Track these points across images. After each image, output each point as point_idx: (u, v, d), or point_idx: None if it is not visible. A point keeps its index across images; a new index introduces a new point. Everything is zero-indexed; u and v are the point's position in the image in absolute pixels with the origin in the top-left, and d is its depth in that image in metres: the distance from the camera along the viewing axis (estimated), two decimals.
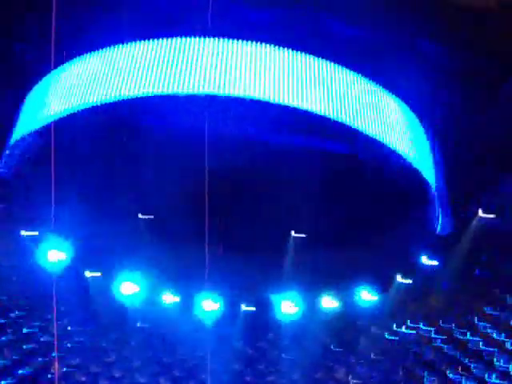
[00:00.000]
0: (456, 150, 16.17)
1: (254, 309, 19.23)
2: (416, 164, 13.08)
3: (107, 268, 18.17)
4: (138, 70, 11.97)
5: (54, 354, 16.21)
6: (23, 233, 16.36)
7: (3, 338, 16.32)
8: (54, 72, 13.24)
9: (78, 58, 12.59)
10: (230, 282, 17.63)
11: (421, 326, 18.70)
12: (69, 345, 17.51)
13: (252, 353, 18.80)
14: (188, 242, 16.75)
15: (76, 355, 17.09)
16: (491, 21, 13.64)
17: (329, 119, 11.59)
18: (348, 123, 11.71)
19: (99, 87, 12.12)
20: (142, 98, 11.84)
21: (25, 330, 16.85)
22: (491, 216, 16.88)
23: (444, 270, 18.38)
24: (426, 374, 17.18)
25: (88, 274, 18.33)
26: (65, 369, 16.44)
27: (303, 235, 17.67)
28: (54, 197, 12.29)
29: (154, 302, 18.84)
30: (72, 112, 12.37)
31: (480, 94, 15.37)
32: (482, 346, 16.82)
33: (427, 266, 18.16)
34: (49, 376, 15.87)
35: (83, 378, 16.54)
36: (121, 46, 12.22)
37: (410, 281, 18.77)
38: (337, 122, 11.61)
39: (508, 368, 15.59)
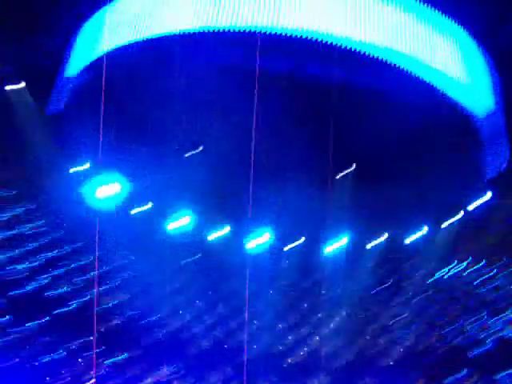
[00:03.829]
0: None
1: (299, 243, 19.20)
2: (474, 97, 12.55)
3: (157, 203, 18.42)
4: (187, 4, 11.71)
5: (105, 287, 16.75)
6: (72, 169, 16.72)
7: (60, 271, 16.87)
8: (102, 9, 13.14)
9: None
10: (280, 216, 17.62)
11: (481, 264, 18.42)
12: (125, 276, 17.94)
13: (296, 293, 18.83)
14: (237, 176, 16.77)
15: (128, 289, 17.51)
16: None
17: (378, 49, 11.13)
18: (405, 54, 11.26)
19: (148, 22, 11.97)
20: (190, 33, 11.62)
21: (81, 263, 17.35)
22: None
23: (506, 207, 17.95)
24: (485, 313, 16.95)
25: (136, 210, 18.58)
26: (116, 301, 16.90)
27: (350, 172, 17.41)
28: (102, 134, 12.34)
29: (204, 236, 19.08)
30: (122, 47, 12.31)
31: None
32: None
33: (484, 203, 17.74)
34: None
35: (133, 312, 16.99)
36: None
37: (465, 218, 18.42)
38: (388, 51, 11.15)
39: None
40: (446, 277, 18.57)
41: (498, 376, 13.62)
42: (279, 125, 14.66)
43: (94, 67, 13.12)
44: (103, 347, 14.78)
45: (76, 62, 13.92)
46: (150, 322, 16.74)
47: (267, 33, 11.08)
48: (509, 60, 14.26)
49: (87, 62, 13.32)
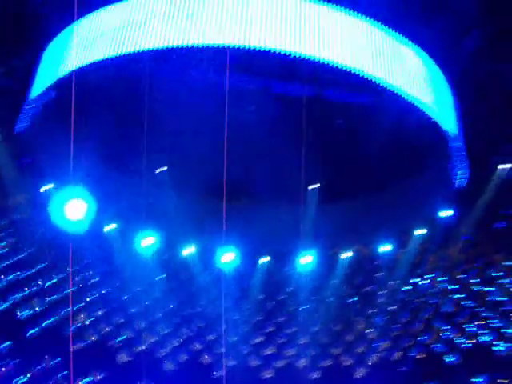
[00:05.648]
0: (477, 101, 15.96)
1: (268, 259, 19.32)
2: (436, 116, 12.91)
3: (126, 221, 18.33)
4: (156, 22, 11.81)
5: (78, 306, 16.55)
6: (44, 187, 16.54)
7: (29, 290, 16.63)
8: (71, 26, 13.14)
9: (95, 11, 12.46)
10: (247, 234, 17.69)
11: (440, 278, 18.74)
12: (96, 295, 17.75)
13: (272, 305, 18.91)
14: (206, 195, 16.85)
15: (99, 307, 17.34)
16: None
17: (348, 70, 11.41)
18: (368, 74, 11.55)
19: (116, 40, 12.00)
20: (159, 51, 11.70)
21: (48, 283, 17.13)
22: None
23: (463, 222, 18.34)
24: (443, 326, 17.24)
25: (107, 227, 18.48)
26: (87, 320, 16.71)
27: (319, 185, 17.58)
28: (72, 150, 12.27)
29: (173, 254, 19.03)
30: (90, 65, 12.30)
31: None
32: (500, 298, 16.86)
33: (446, 217, 18.10)
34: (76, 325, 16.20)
35: (107, 329, 16.82)
36: None
37: (428, 232, 18.74)
38: (357, 73, 11.44)
39: None
40: (414, 287, 18.88)
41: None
42: (248, 141, 14.83)
43: (62, 85, 13.06)
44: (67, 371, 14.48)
45: (43, 81, 13.84)
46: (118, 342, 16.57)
47: (238, 50, 11.23)
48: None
49: (54, 80, 13.23)
